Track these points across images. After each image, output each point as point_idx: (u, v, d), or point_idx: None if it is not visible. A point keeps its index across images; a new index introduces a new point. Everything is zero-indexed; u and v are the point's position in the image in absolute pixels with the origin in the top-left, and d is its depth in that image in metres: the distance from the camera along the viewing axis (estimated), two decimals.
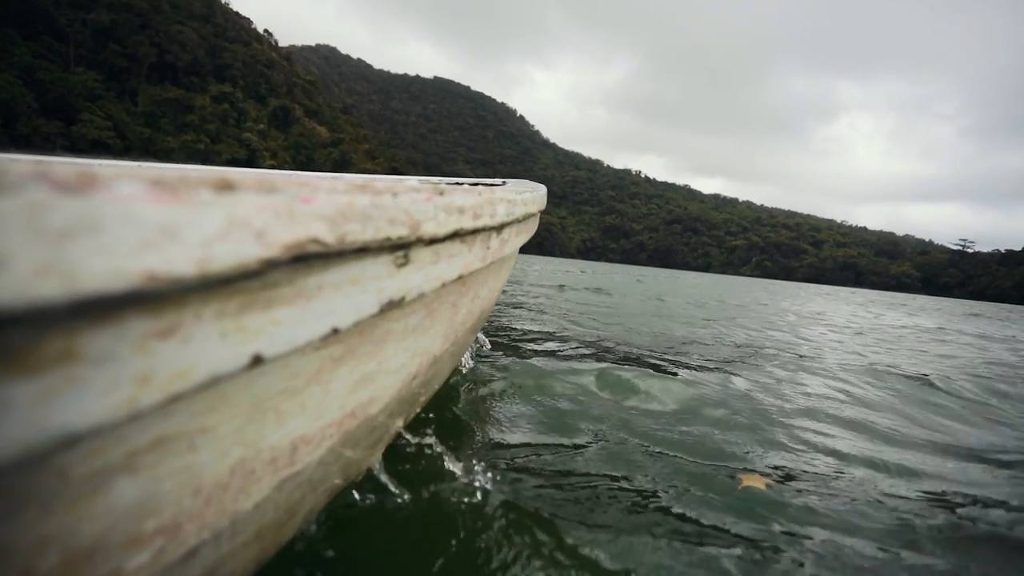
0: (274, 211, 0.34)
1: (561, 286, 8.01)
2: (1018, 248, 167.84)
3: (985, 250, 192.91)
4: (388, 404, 0.71)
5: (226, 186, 0.31)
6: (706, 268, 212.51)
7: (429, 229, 0.55)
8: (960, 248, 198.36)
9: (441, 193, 0.57)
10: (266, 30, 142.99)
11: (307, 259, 0.38)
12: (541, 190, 1.41)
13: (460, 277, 0.72)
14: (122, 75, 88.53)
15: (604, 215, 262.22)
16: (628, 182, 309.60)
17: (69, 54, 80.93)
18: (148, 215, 0.27)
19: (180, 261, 0.29)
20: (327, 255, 0.40)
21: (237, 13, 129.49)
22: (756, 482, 1.26)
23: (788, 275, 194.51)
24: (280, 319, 0.38)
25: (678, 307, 6.81)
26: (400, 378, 0.71)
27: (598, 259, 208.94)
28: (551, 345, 2.93)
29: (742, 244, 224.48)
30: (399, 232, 0.49)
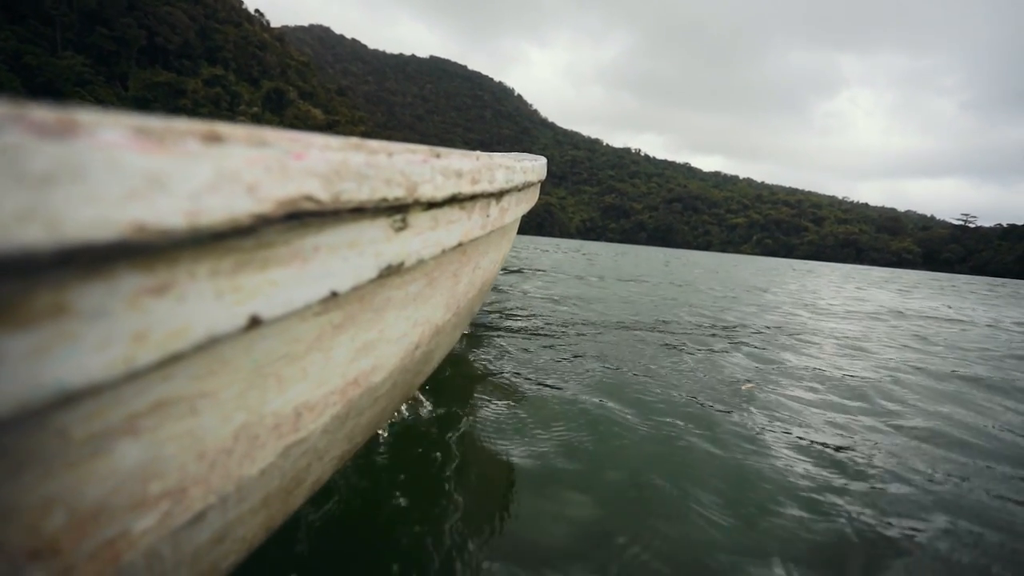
0: (265, 165, 0.34)
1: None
2: (1020, 223, 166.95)
3: (987, 225, 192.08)
4: (391, 373, 0.72)
5: (214, 137, 0.31)
6: (706, 247, 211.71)
7: (427, 192, 0.54)
8: (962, 223, 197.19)
9: (438, 156, 0.57)
10: (257, 10, 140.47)
11: (301, 217, 0.38)
12: (541, 160, 1.40)
13: (460, 245, 0.72)
14: (111, 59, 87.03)
15: (604, 195, 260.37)
16: (628, 161, 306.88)
17: (56, 38, 79.45)
18: (133, 163, 0.27)
19: (169, 213, 0.28)
20: (322, 214, 0.40)
21: None
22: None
23: (789, 252, 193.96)
24: (277, 280, 0.38)
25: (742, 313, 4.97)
26: (402, 347, 0.71)
27: (598, 239, 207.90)
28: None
29: (743, 222, 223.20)
30: (395, 193, 0.48)
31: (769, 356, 2.92)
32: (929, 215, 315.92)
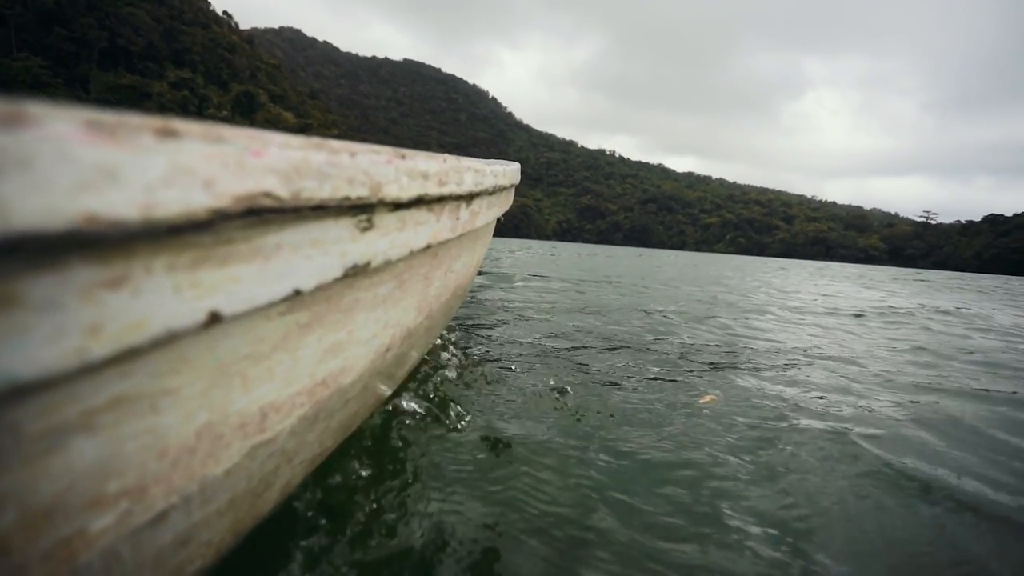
0: (222, 161, 0.34)
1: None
2: (977, 219, 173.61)
3: (947, 221, 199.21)
4: (362, 375, 0.71)
5: (169, 132, 0.31)
6: (681, 246, 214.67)
7: (392, 192, 0.54)
8: (924, 220, 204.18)
9: (403, 157, 0.57)
10: (225, 12, 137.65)
11: (261, 214, 0.38)
12: (513, 165, 1.41)
13: (429, 247, 0.72)
14: (70, 60, 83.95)
15: (579, 196, 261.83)
16: (603, 162, 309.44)
17: (11, 39, 76.34)
18: (84, 155, 0.27)
19: (122, 204, 0.28)
20: (283, 211, 0.40)
21: None
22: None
23: (761, 251, 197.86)
24: (238, 276, 0.38)
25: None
26: (372, 349, 0.71)
27: (574, 240, 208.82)
28: None
29: (716, 221, 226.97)
30: (359, 192, 0.48)
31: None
32: (894, 212, 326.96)
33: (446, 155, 0.73)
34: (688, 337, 3.05)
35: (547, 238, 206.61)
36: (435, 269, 0.90)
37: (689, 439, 1.41)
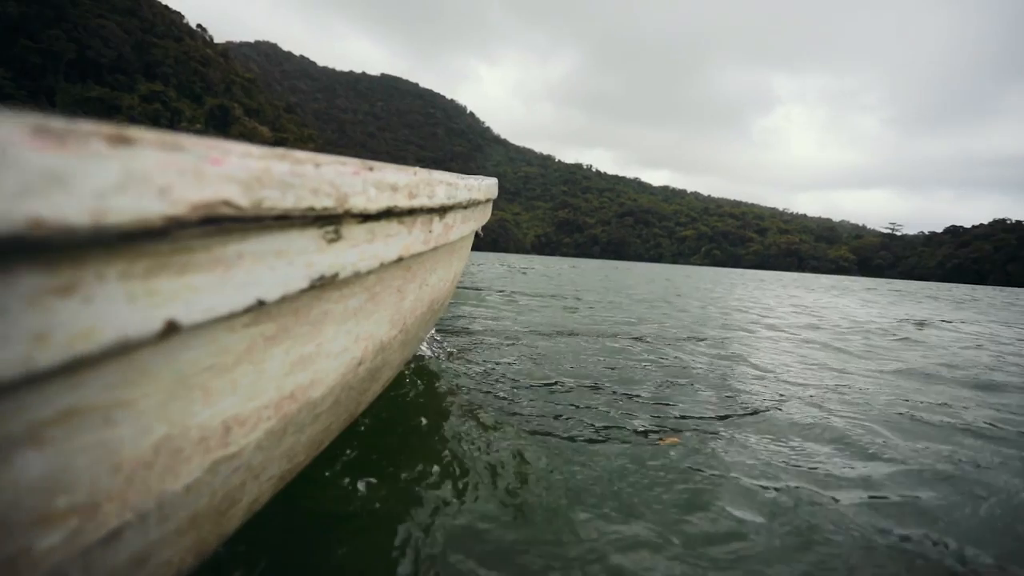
0: (179, 169, 0.33)
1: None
2: (939, 230, 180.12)
3: (912, 233, 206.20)
4: (332, 389, 0.70)
5: (122, 139, 0.30)
6: (658, 259, 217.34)
7: (359, 203, 0.54)
8: (890, 232, 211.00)
9: (371, 169, 0.57)
10: (199, 25, 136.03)
11: (221, 223, 0.37)
12: (490, 180, 1.41)
13: (401, 259, 0.72)
14: (36, 73, 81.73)
15: (557, 210, 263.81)
16: (580, 176, 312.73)
17: None
18: (30, 160, 0.26)
19: (71, 209, 0.28)
20: (244, 220, 0.39)
21: (166, 7, 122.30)
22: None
23: (736, 263, 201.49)
24: (196, 286, 0.37)
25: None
26: (343, 362, 0.70)
27: (552, 254, 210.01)
28: None
29: (691, 234, 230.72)
30: (324, 203, 0.48)
31: None
32: (861, 224, 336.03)
33: (417, 168, 0.72)
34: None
35: (525, 252, 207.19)
36: (409, 282, 0.89)
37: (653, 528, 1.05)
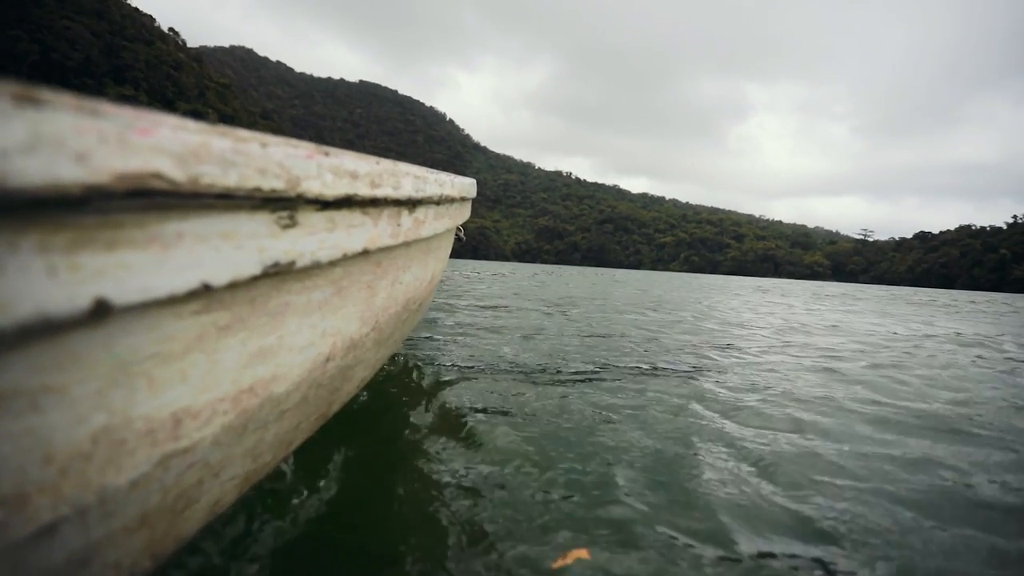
0: (99, 135, 0.31)
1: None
2: (909, 236, 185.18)
3: (883, 238, 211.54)
4: (298, 385, 0.67)
5: (29, 99, 0.28)
6: (637, 265, 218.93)
7: (314, 188, 0.52)
8: (862, 238, 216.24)
9: (327, 154, 0.55)
10: (171, 28, 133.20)
11: (153, 197, 0.35)
12: (466, 179, 1.38)
13: (368, 252, 0.71)
14: None
15: (537, 217, 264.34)
16: (560, 183, 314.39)
17: None
18: None
19: None
20: (181, 196, 0.37)
21: (136, 9, 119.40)
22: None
23: (714, 268, 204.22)
24: (128, 263, 0.35)
25: None
26: (309, 357, 0.68)
27: (533, 261, 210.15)
28: None
29: (670, 241, 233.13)
30: (272, 185, 0.46)
31: None
32: (835, 231, 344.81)
33: (380, 158, 0.70)
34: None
35: (506, 259, 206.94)
36: (380, 279, 0.88)
37: None
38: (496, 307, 5.40)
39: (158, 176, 0.35)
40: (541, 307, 5.82)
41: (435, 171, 1.06)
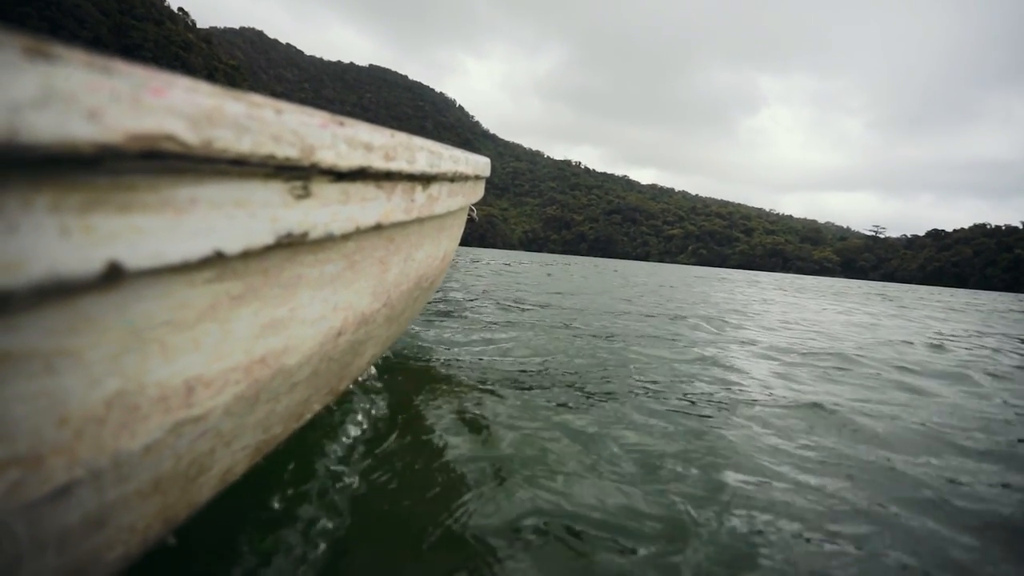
0: (112, 93, 0.31)
1: None
2: (921, 233, 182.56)
3: (895, 235, 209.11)
4: (309, 358, 0.67)
5: (40, 52, 0.27)
6: (645, 257, 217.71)
7: (328, 158, 0.52)
8: (874, 234, 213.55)
9: (341, 124, 0.54)
10: (181, 9, 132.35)
11: (166, 159, 0.35)
12: (481, 157, 1.35)
13: (381, 227, 0.70)
14: None
15: (545, 206, 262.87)
16: (568, 172, 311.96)
17: None
18: None
19: None
20: (194, 159, 0.37)
21: None
22: None
23: (723, 262, 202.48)
24: (142, 227, 0.35)
25: None
26: (321, 331, 0.67)
27: (540, 250, 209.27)
28: None
29: (679, 233, 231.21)
30: (286, 152, 0.45)
31: None
32: (846, 226, 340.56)
33: (395, 131, 0.69)
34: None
35: (513, 248, 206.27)
36: (392, 254, 0.87)
37: None
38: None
39: (171, 138, 0.34)
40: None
41: (450, 147, 1.05)
